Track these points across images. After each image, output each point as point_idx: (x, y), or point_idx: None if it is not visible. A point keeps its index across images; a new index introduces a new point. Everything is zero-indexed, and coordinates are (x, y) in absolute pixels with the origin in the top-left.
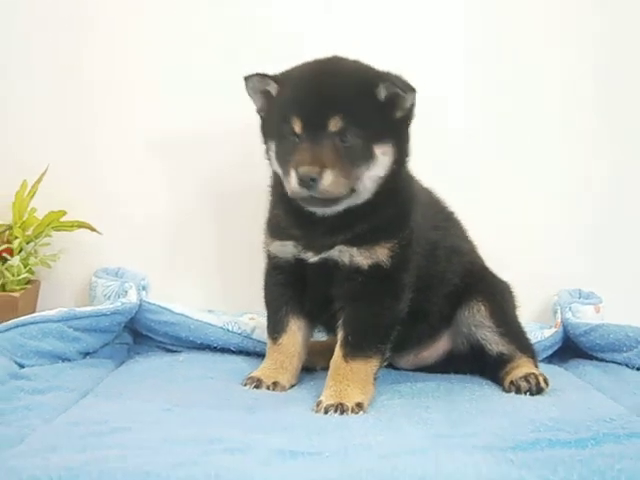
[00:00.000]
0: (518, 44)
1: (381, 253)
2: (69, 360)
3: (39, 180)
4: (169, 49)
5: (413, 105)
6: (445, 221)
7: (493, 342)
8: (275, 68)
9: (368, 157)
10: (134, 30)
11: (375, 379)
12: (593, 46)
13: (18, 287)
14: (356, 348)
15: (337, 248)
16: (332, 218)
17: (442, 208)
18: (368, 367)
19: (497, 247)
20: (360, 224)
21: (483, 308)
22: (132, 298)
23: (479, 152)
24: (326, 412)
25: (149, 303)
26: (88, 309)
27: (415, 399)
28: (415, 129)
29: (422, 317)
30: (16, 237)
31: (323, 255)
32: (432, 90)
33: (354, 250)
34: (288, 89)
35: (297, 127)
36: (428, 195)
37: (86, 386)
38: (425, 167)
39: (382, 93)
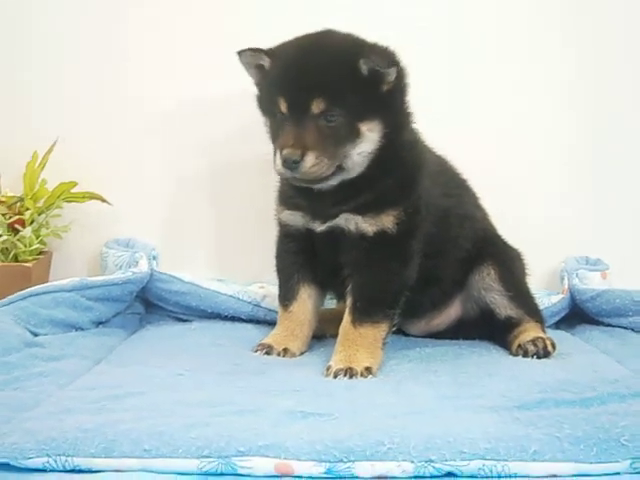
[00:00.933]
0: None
1: (387, 220)
2: (82, 329)
3: (49, 151)
4: (173, 23)
5: (401, 77)
6: (457, 188)
7: (502, 306)
8: (275, 38)
9: (354, 135)
10: (141, 5)
11: (384, 344)
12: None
13: (30, 258)
14: (364, 314)
15: (343, 216)
16: (335, 190)
17: (454, 175)
18: (376, 332)
19: (504, 215)
20: (363, 194)
21: (493, 272)
22: (143, 268)
23: (484, 117)
24: (335, 376)
25: (160, 273)
26: (100, 279)
27: (424, 363)
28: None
29: (434, 283)
30: (27, 208)
31: (329, 224)
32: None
33: (359, 218)
34: (276, 66)
35: (283, 107)
36: (440, 163)
37: (99, 354)
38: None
39: (364, 69)
